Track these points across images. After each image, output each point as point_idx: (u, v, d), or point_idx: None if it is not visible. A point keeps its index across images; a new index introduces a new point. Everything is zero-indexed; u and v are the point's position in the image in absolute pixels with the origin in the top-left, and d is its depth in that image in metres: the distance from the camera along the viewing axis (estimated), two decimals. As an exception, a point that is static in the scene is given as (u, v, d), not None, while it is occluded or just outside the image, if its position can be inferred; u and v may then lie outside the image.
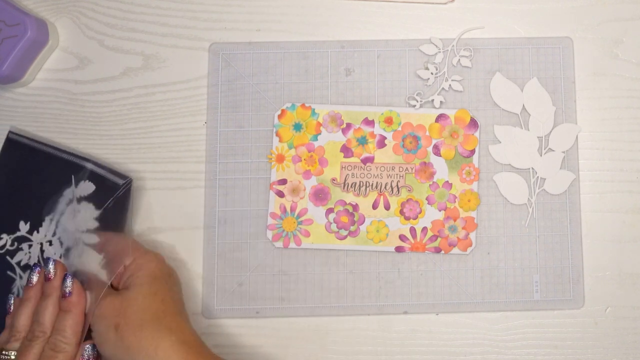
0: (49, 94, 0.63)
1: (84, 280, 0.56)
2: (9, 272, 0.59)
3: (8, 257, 0.60)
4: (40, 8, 0.64)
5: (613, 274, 0.61)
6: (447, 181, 0.61)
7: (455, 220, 0.61)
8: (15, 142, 0.61)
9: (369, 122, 0.62)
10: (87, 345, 0.54)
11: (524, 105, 0.61)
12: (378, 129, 0.62)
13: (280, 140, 0.62)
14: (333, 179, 0.61)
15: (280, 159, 0.61)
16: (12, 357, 0.53)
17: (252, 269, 0.61)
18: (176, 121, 0.63)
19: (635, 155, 0.62)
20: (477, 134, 0.62)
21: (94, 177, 0.60)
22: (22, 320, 0.54)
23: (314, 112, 0.62)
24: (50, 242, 0.59)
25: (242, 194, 0.61)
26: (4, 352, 0.53)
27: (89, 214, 0.58)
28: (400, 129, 0.62)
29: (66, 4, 0.64)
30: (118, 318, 0.53)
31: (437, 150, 0.61)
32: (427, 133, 0.62)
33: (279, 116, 0.62)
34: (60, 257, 0.58)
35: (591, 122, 0.62)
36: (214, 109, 0.62)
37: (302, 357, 0.60)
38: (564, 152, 0.61)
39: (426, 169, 0.61)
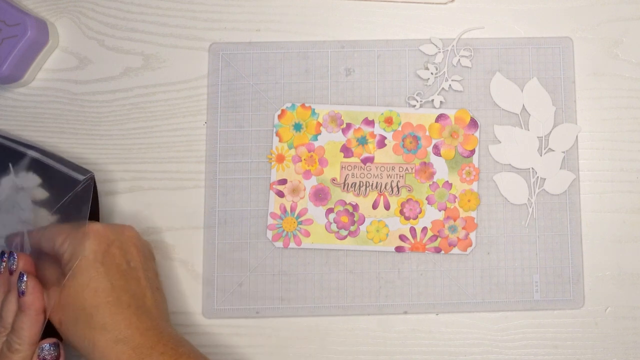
0: (49, 94, 0.63)
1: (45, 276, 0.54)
2: None
3: None
4: (40, 8, 0.64)
5: (613, 274, 0.61)
6: (447, 181, 0.61)
7: (455, 220, 0.61)
8: None
9: (369, 122, 0.62)
10: (45, 345, 0.51)
11: (523, 106, 0.61)
12: (378, 129, 0.62)
13: (280, 140, 0.62)
14: (333, 179, 0.61)
15: (280, 159, 0.61)
16: None
17: (252, 269, 0.61)
18: (176, 121, 0.63)
19: (635, 155, 0.62)
20: (477, 134, 0.62)
21: (39, 168, 0.57)
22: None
23: (314, 112, 0.62)
24: None
25: (242, 194, 0.61)
26: None
27: (42, 212, 0.56)
28: (400, 129, 0.62)
29: (66, 4, 0.64)
30: (60, 314, 0.51)
31: (437, 150, 0.61)
32: (427, 133, 0.62)
33: (279, 116, 0.62)
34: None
35: (591, 122, 0.62)
36: (214, 109, 0.62)
37: (302, 357, 0.60)
38: (563, 152, 0.61)
39: (426, 169, 0.61)
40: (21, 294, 0.51)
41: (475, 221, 0.61)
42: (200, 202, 0.61)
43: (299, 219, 0.61)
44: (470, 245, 0.61)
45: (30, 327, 0.51)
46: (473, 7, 0.64)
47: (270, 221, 0.61)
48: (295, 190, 0.61)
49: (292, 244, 0.61)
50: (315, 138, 0.62)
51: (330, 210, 0.61)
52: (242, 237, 0.61)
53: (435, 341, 0.60)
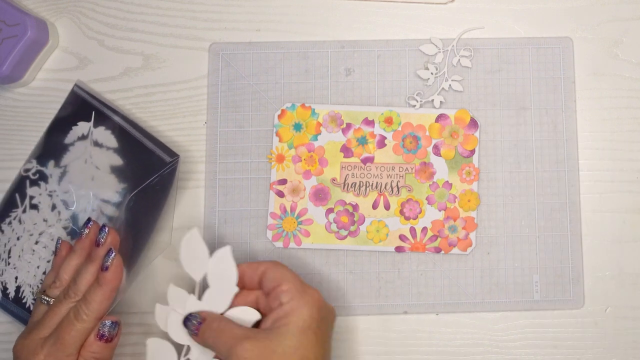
0: (49, 94, 0.63)
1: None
2: (17, 196, 0.60)
3: (27, 183, 0.60)
4: (40, 8, 0.64)
5: (613, 274, 0.61)
6: (447, 181, 0.61)
7: (455, 220, 0.61)
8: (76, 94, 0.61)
9: (369, 122, 0.62)
10: (107, 322, 0.53)
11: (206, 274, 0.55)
12: (378, 129, 0.62)
13: (280, 140, 0.62)
14: (333, 179, 0.61)
15: (280, 159, 0.61)
16: (47, 305, 0.54)
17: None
18: (176, 121, 0.63)
19: (635, 155, 0.62)
20: (477, 134, 0.62)
21: (122, 135, 0.59)
22: (67, 271, 0.55)
23: (314, 112, 0.62)
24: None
25: (242, 194, 0.62)
26: (44, 297, 0.54)
27: (112, 179, 0.58)
28: (400, 129, 0.62)
29: (66, 4, 0.64)
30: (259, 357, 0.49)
31: (437, 150, 0.61)
32: (427, 133, 0.62)
33: (279, 116, 0.62)
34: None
35: (591, 122, 0.62)
36: (214, 109, 0.62)
37: (302, 357, 0.60)
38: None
39: (426, 169, 0.61)
40: (105, 268, 0.53)
41: (475, 221, 0.61)
42: (200, 202, 0.61)
43: (299, 219, 0.61)
44: (470, 245, 0.61)
45: (102, 301, 0.52)
46: (473, 7, 0.64)
47: (270, 221, 0.61)
48: (295, 190, 0.61)
49: (292, 244, 0.61)
50: (315, 138, 0.62)
51: (330, 210, 0.61)
52: (242, 237, 0.61)
53: (435, 341, 0.60)
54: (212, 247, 0.61)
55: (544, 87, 0.62)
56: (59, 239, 0.58)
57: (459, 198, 0.61)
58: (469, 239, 0.61)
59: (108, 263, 0.53)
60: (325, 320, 0.53)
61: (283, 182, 0.61)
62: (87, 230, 0.56)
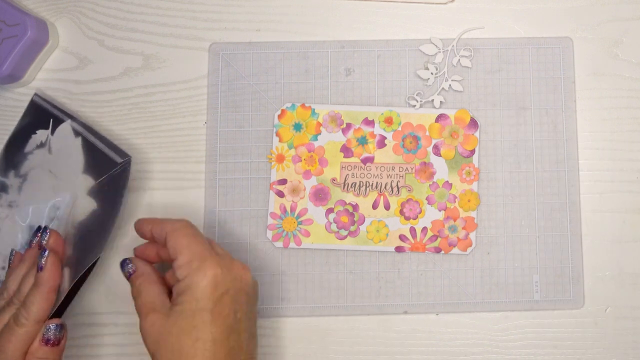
0: (49, 94, 0.63)
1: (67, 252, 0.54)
2: None
3: None
4: (40, 8, 0.64)
5: (613, 274, 0.61)
6: (447, 181, 0.61)
7: (455, 220, 0.61)
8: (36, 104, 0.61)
9: (369, 122, 0.62)
10: (50, 325, 0.51)
11: None
12: (378, 129, 0.62)
13: (280, 140, 0.62)
14: (333, 179, 0.61)
15: (280, 159, 0.61)
16: None
17: (252, 269, 0.61)
18: (176, 121, 0.63)
19: (635, 155, 0.62)
20: (477, 134, 0.62)
21: (78, 138, 0.59)
22: (14, 281, 0.53)
23: (314, 112, 0.62)
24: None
25: (242, 194, 0.62)
26: None
27: (88, 179, 0.57)
28: (400, 129, 0.62)
29: (66, 4, 0.64)
30: (155, 346, 0.49)
31: (437, 150, 0.61)
32: (427, 133, 0.62)
33: (279, 116, 0.62)
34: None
35: (591, 122, 0.62)
36: (214, 109, 0.62)
37: (302, 357, 0.60)
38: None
39: (426, 169, 0.61)
40: (39, 269, 0.51)
41: (475, 221, 0.61)
42: (200, 202, 0.61)
43: (299, 219, 0.61)
44: (470, 245, 0.61)
45: (39, 302, 0.51)
46: (473, 7, 0.64)
47: (271, 221, 0.61)
48: (295, 190, 0.61)
49: (292, 244, 0.61)
50: (315, 138, 0.62)
51: (330, 210, 0.61)
52: (242, 237, 0.61)
53: (436, 341, 0.60)
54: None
55: (544, 87, 0.62)
56: (12, 250, 0.57)
57: (459, 198, 0.61)
58: (469, 239, 0.61)
59: (42, 262, 0.51)
60: (228, 295, 0.50)
61: (283, 182, 0.61)
62: (36, 239, 0.55)
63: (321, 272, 0.61)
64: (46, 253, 0.52)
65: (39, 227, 0.56)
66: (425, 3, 0.64)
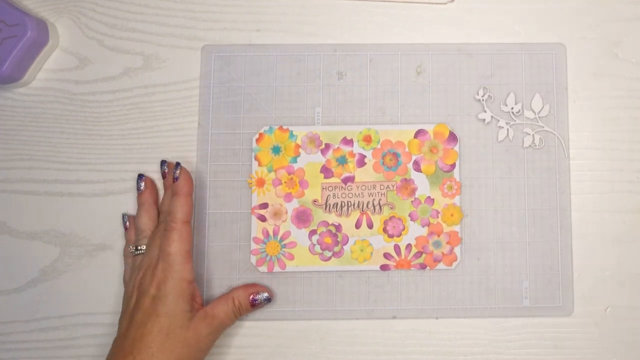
0: (49, 94, 0.63)
1: None
2: None
3: None
4: (40, 8, 0.64)
5: (613, 274, 0.61)
6: (429, 197, 0.61)
7: (439, 236, 0.60)
8: None
9: (348, 142, 0.61)
10: (264, 293, 0.59)
11: None
12: (357, 148, 0.61)
13: (260, 165, 0.61)
14: (314, 201, 0.61)
15: (261, 182, 0.61)
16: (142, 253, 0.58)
17: (242, 271, 0.61)
18: (176, 121, 0.63)
19: (635, 155, 0.62)
20: (456, 147, 0.61)
21: None
22: (143, 221, 0.59)
23: (292, 135, 0.61)
24: None
25: (232, 196, 0.61)
26: (138, 248, 0.58)
27: None
28: (379, 146, 0.61)
29: (66, 4, 0.64)
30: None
31: (417, 166, 0.61)
32: (407, 149, 0.61)
33: (257, 140, 0.61)
34: None
35: (591, 122, 0.62)
36: (206, 110, 0.62)
37: (302, 358, 0.60)
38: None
39: (407, 186, 0.61)
40: (175, 179, 0.58)
41: (459, 235, 0.60)
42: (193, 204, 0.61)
43: (282, 242, 0.60)
44: (455, 260, 0.60)
45: (182, 206, 0.57)
46: (473, 7, 0.64)
47: (254, 246, 0.60)
48: (277, 214, 0.61)
49: (276, 268, 0.60)
50: (294, 160, 0.61)
51: (313, 232, 0.60)
52: (232, 239, 0.61)
53: (436, 341, 0.60)
54: (203, 248, 0.61)
55: (537, 92, 0.62)
56: (123, 215, 0.61)
57: (441, 213, 0.61)
58: (454, 253, 0.60)
59: (177, 173, 0.58)
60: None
61: (264, 206, 0.61)
62: (142, 184, 0.60)
63: (309, 291, 0.61)
64: (179, 167, 0.58)
65: (139, 175, 0.61)
66: (425, 3, 0.64)
